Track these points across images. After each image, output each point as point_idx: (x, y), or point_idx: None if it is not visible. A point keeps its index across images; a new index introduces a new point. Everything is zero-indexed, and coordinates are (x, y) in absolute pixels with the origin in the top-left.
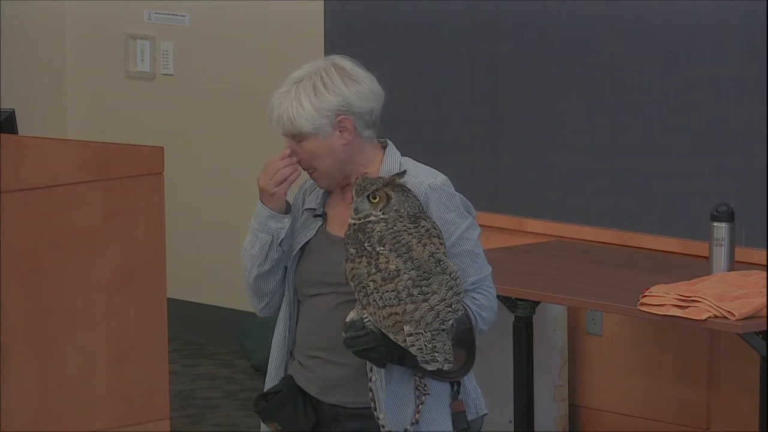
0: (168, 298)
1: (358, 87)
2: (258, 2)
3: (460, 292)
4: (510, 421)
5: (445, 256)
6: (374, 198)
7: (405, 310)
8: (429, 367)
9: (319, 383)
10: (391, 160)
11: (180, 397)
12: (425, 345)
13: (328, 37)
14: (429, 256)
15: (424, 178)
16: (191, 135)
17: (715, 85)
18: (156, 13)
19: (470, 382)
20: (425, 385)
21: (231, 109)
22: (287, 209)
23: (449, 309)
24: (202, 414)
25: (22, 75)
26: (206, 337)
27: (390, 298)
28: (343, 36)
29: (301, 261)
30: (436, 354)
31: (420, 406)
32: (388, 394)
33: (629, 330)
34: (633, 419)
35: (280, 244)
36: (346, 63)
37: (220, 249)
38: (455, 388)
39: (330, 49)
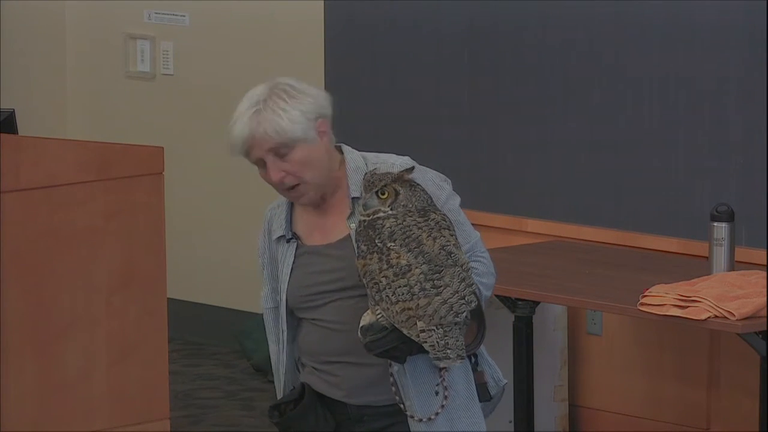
0: (168, 298)
1: (319, 91)
2: (258, 2)
3: (472, 284)
4: (510, 421)
5: (456, 248)
6: (383, 194)
7: (418, 304)
8: (441, 364)
9: (345, 386)
10: (355, 158)
11: (180, 397)
12: (437, 342)
13: (328, 37)
14: (440, 249)
15: (393, 161)
16: (191, 135)
17: (715, 84)
18: (156, 13)
19: (486, 354)
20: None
21: (231, 109)
22: None
23: (463, 301)
24: (202, 414)
25: (22, 75)
26: (206, 337)
27: (403, 293)
28: (343, 36)
29: (290, 284)
30: (448, 351)
31: (447, 391)
32: (415, 383)
33: (629, 330)
34: (633, 419)
35: None
36: (290, 79)
37: (219, 249)
38: (473, 360)
39: (330, 49)
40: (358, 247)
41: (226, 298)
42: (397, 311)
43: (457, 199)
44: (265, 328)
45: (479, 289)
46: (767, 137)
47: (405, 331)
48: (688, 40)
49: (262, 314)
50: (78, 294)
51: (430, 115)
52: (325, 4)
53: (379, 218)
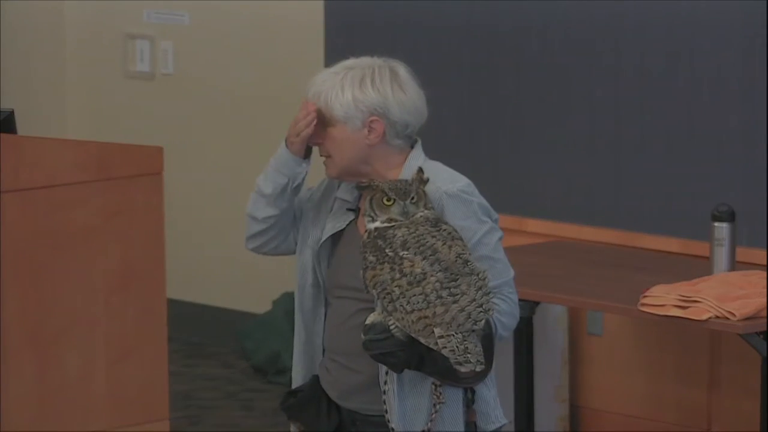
0: (168, 298)
1: (403, 96)
2: (258, 2)
3: (489, 292)
4: (510, 421)
5: (471, 258)
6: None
7: (435, 312)
8: (462, 369)
9: (337, 388)
10: (413, 165)
11: (180, 397)
12: (457, 346)
13: (328, 37)
14: (456, 257)
15: (441, 184)
16: (191, 135)
17: (716, 85)
18: (155, 12)
19: (489, 391)
20: (441, 393)
21: (231, 108)
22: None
23: (480, 309)
24: (202, 414)
25: (22, 75)
26: (206, 337)
27: (418, 302)
28: (343, 36)
29: (333, 260)
30: (468, 355)
31: (434, 414)
32: (401, 402)
33: (630, 330)
34: (633, 420)
35: (295, 189)
36: (401, 70)
37: (220, 249)
38: (469, 396)
39: (330, 49)
40: (364, 257)
41: (226, 298)
42: (412, 320)
43: (497, 234)
44: (264, 328)
45: (495, 324)
46: (767, 137)
47: (422, 340)
48: (689, 40)
49: (261, 314)
50: (77, 294)
51: (429, 115)
52: (325, 4)
53: (391, 227)
